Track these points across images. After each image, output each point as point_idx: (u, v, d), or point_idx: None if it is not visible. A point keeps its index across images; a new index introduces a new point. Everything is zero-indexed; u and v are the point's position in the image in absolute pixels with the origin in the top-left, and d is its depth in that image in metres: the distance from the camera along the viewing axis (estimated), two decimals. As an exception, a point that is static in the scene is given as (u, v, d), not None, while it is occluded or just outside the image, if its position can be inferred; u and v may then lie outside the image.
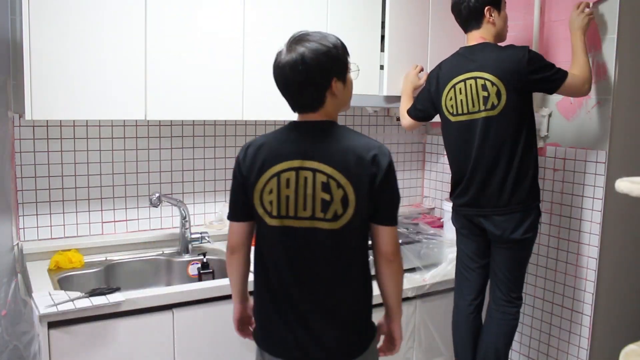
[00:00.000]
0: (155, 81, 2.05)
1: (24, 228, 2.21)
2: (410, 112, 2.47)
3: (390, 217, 1.52)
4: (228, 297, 1.98)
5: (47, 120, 2.18)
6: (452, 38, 2.81)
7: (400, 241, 2.55)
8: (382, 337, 1.69)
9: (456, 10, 2.26)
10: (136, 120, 2.37)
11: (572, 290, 2.47)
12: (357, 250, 1.52)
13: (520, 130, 2.14)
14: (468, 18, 2.22)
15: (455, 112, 2.22)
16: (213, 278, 2.26)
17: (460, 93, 2.18)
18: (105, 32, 1.95)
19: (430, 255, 2.56)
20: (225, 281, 2.02)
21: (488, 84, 2.11)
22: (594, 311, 2.40)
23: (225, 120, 2.58)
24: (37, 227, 2.23)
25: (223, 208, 2.59)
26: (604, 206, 2.34)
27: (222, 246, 2.44)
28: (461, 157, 2.22)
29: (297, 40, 1.47)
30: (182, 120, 2.47)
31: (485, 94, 2.11)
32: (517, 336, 2.72)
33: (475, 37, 2.23)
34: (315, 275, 1.49)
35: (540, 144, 2.57)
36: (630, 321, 2.51)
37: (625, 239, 2.45)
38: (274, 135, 1.55)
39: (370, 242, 1.56)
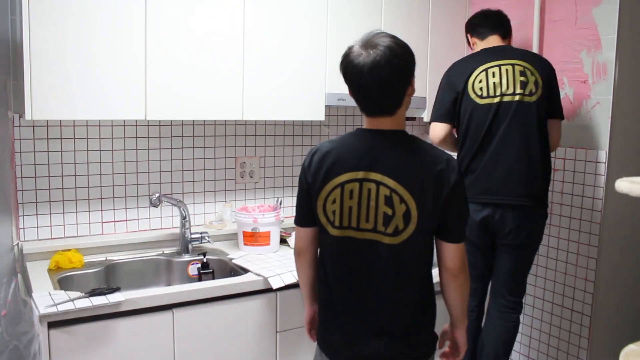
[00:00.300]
0: (155, 81, 2.05)
1: (24, 228, 2.20)
2: (439, 118, 2.31)
3: (456, 235, 1.48)
4: (228, 297, 1.99)
5: (47, 120, 2.18)
6: (452, 38, 2.81)
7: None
8: (446, 343, 1.70)
9: (494, 14, 2.34)
10: (136, 120, 2.37)
11: (572, 290, 2.47)
12: (416, 265, 1.49)
13: (546, 126, 2.20)
14: (506, 26, 2.33)
15: (484, 95, 2.19)
16: (213, 278, 2.26)
17: (494, 76, 2.17)
18: (105, 32, 1.95)
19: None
20: (224, 281, 2.03)
21: (528, 72, 2.15)
22: (594, 311, 2.40)
23: (225, 120, 2.58)
24: (37, 227, 2.23)
25: (223, 208, 2.59)
26: (604, 206, 2.34)
27: (222, 246, 2.44)
28: (484, 140, 2.18)
29: (373, 38, 1.40)
30: (182, 120, 2.47)
31: (524, 79, 2.14)
32: (517, 336, 2.72)
33: (498, 41, 2.31)
34: (371, 286, 1.48)
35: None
36: (630, 321, 2.51)
37: (625, 239, 2.45)
38: (341, 142, 1.51)
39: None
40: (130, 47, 2.00)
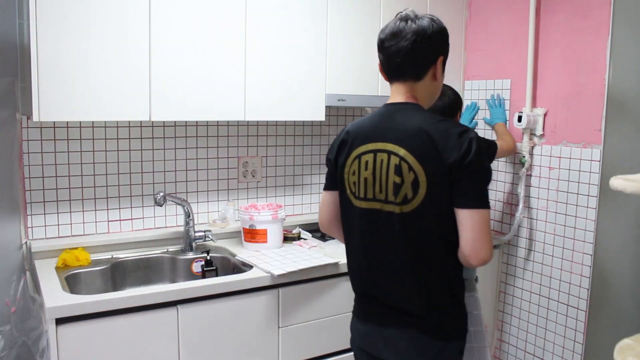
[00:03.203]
0: (159, 83, 2.09)
1: (32, 227, 2.25)
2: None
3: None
4: (230, 294, 2.03)
5: (54, 122, 2.22)
6: (450, 38, 2.84)
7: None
8: None
9: (395, 49, 1.47)
10: (141, 122, 2.40)
11: (567, 286, 2.51)
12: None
13: (440, 231, 1.44)
14: (410, 63, 1.48)
15: (358, 195, 1.53)
16: (216, 275, 2.30)
17: (366, 169, 1.50)
18: (110, 35, 1.99)
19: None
20: (227, 278, 2.06)
21: (405, 167, 1.41)
22: (589, 307, 2.44)
23: (228, 121, 2.62)
24: (45, 225, 2.27)
25: (226, 207, 2.63)
26: (599, 203, 2.38)
27: (225, 244, 2.49)
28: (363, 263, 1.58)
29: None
30: (186, 121, 2.51)
31: (398, 179, 1.43)
32: (514, 331, 2.76)
33: (404, 92, 1.51)
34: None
35: (536, 142, 2.61)
36: (624, 316, 2.55)
37: (619, 236, 2.48)
38: None
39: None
40: (135, 50, 2.03)
